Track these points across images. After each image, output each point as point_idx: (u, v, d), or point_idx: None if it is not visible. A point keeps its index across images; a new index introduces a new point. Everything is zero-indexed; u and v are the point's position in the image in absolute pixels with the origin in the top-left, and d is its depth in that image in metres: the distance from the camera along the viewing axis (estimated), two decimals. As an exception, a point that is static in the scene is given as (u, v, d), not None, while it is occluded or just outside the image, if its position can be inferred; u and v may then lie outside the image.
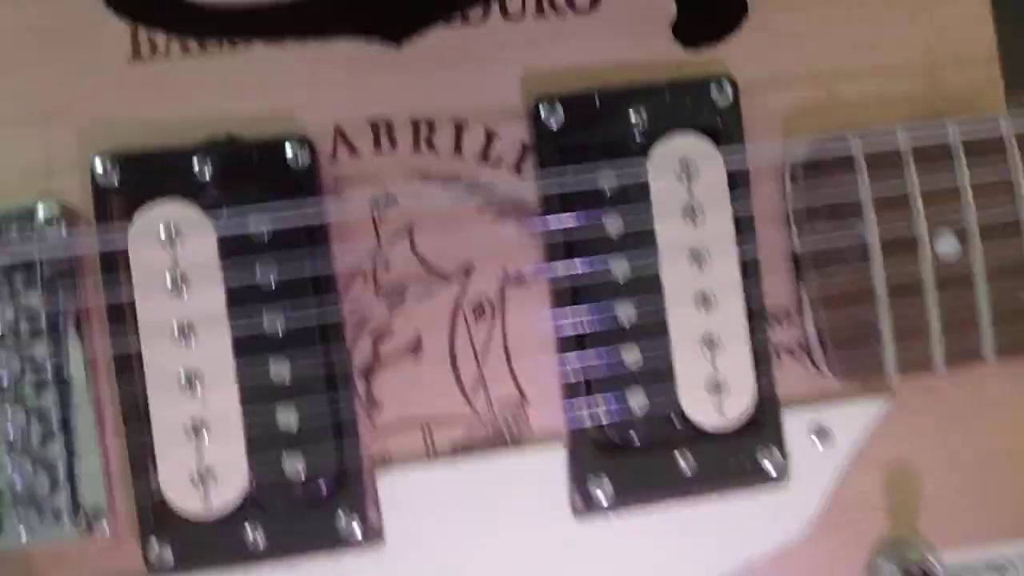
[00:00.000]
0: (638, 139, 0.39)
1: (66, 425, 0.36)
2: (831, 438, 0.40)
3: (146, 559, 0.36)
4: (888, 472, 0.40)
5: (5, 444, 0.36)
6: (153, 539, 0.36)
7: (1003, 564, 0.41)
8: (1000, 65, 0.42)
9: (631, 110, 0.39)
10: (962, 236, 0.39)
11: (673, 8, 0.41)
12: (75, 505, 0.36)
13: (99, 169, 0.37)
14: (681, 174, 0.39)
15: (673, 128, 0.39)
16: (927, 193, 0.39)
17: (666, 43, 0.41)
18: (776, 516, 0.39)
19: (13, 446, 0.35)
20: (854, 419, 0.40)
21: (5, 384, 0.35)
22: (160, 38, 0.38)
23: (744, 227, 0.39)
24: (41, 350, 0.36)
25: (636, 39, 0.41)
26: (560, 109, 0.39)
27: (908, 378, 0.39)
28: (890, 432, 0.40)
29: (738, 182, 0.39)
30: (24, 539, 0.35)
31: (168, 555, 0.36)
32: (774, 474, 0.39)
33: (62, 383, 0.36)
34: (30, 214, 0.37)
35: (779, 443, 0.39)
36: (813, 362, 0.40)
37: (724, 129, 0.39)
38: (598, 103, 0.39)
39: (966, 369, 0.40)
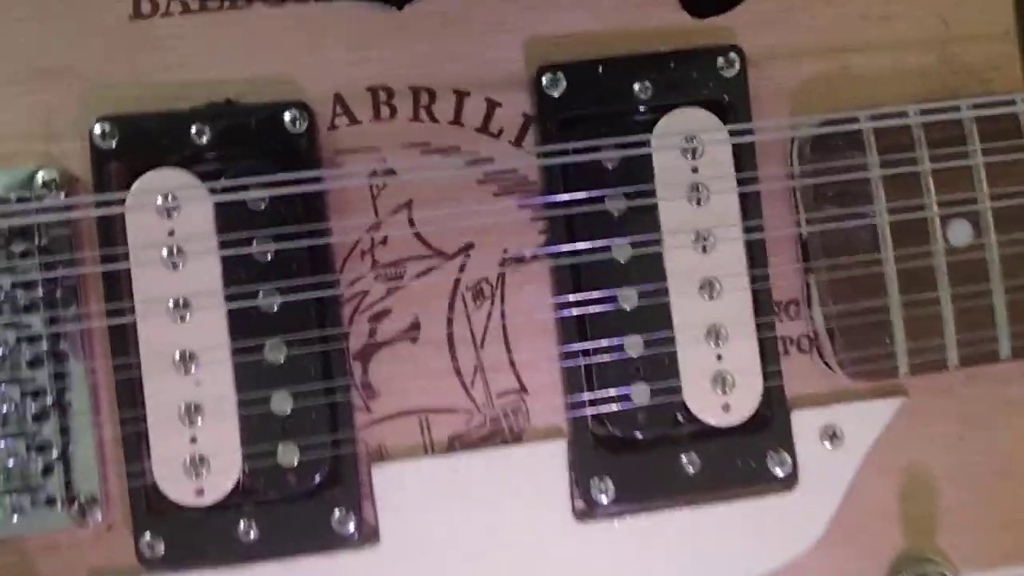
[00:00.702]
0: (642, 111, 0.42)
1: (61, 404, 0.39)
2: (842, 440, 0.42)
3: (138, 551, 0.39)
4: (903, 479, 0.43)
5: (1, 424, 0.37)
6: (145, 531, 0.39)
7: None
8: (1018, 42, 0.44)
9: (635, 81, 0.42)
10: (976, 223, 0.41)
11: (681, -23, 0.45)
12: (68, 491, 0.39)
13: (99, 134, 0.40)
14: (686, 150, 0.41)
15: (678, 101, 0.42)
16: (939, 175, 0.41)
17: (673, 11, 0.43)
18: (785, 523, 0.42)
19: (7, 423, 0.37)
20: (866, 420, 0.42)
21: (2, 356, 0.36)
22: (162, -5, 0.43)
23: (750, 208, 0.42)
24: (37, 322, 0.39)
25: (642, 7, 0.43)
26: (563, 79, 0.42)
27: (922, 378, 0.42)
28: (904, 436, 0.43)
29: (745, 159, 0.42)
30: (15, 523, 0.38)
31: (160, 548, 0.39)
32: (782, 477, 0.41)
33: (58, 358, 0.40)
34: (30, 179, 0.39)
35: (788, 444, 0.41)
36: (823, 357, 0.42)
37: (731, 103, 0.42)
38: (602, 72, 0.41)
39: (983, 370, 0.42)
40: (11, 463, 0.37)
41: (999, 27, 0.44)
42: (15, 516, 0.37)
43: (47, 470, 0.38)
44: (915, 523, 0.42)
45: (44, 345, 0.38)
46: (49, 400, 0.38)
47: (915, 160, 0.41)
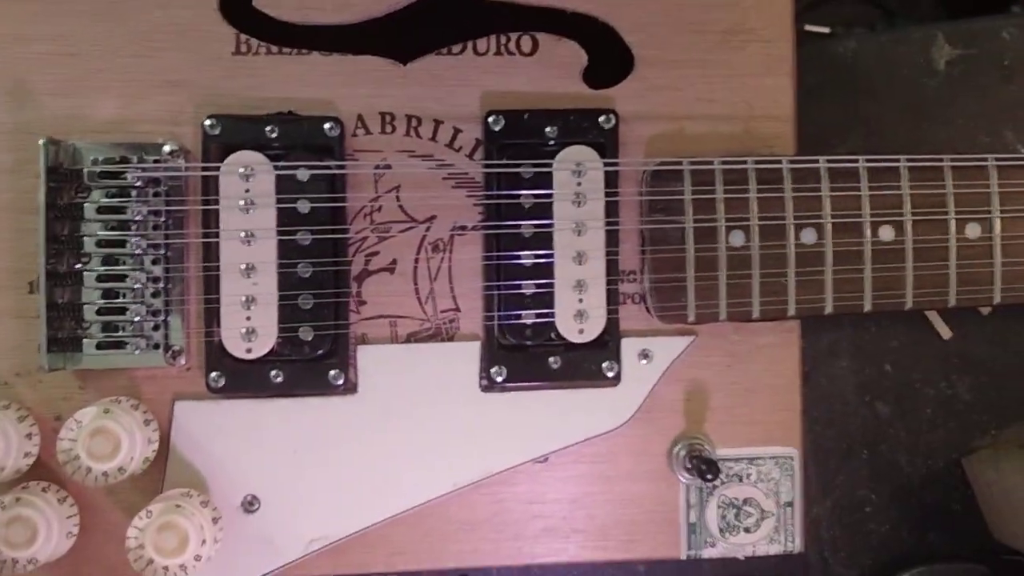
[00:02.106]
0: (550, 144, 0.61)
1: (167, 288, 0.60)
2: (651, 359, 0.61)
3: (207, 383, 0.59)
4: (687, 387, 0.62)
5: (132, 296, 0.58)
6: (213, 371, 0.59)
7: (757, 458, 0.64)
8: (793, 123, 0.65)
9: (548, 125, 0.60)
10: (747, 232, 0.62)
11: (585, 60, 0.64)
12: (166, 342, 0.60)
13: (208, 125, 0.59)
14: (575, 171, 0.60)
15: (573, 140, 0.60)
16: (728, 201, 0.62)
17: (577, 83, 0.62)
18: (610, 408, 0.60)
19: (136, 297, 0.58)
20: (668, 348, 0.61)
21: (137, 254, 0.58)
22: (254, 42, 0.60)
23: (611, 211, 0.60)
24: (159, 237, 0.59)
25: (558, 78, 0.62)
26: (502, 119, 0.60)
27: (704, 326, 0.63)
28: (691, 360, 0.62)
29: (611, 181, 0.60)
30: (135, 357, 0.59)
31: (222, 382, 0.59)
32: (611, 377, 0.61)
33: (168, 260, 0.59)
34: (160, 147, 0.58)
35: (617, 358, 0.61)
36: (646, 307, 0.62)
37: (607, 145, 0.61)
38: (527, 118, 0.61)
39: (744, 324, 0.63)
40: (136, 319, 0.58)
41: (783, 112, 0.63)
42: (135, 352, 0.58)
43: (155, 327, 0.58)
44: (692, 415, 0.61)
45: (162, 251, 0.58)
46: (161, 286, 0.58)
47: (713, 191, 0.59)
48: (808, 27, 0.62)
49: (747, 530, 0.61)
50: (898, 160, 0.63)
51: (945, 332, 0.76)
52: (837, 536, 0.74)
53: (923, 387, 0.76)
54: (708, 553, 0.62)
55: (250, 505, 0.58)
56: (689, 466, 0.59)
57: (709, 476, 0.57)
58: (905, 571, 0.72)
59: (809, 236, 0.62)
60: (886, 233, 0.62)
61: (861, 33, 0.80)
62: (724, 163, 0.62)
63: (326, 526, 0.59)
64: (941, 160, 0.63)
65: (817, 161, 0.62)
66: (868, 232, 0.62)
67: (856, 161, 0.62)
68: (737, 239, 0.62)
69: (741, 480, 0.63)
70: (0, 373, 0.58)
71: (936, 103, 0.77)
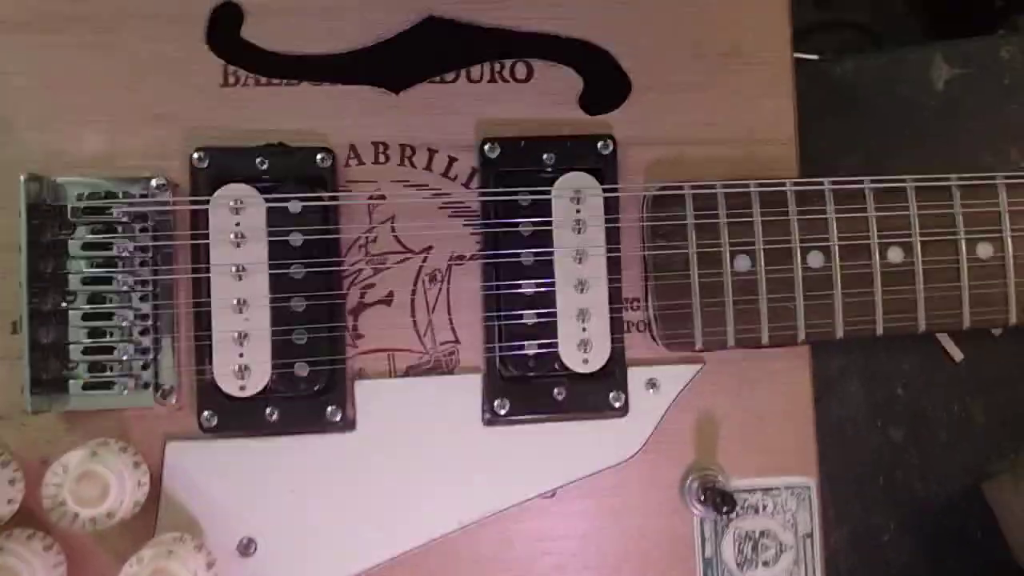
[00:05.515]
0: (548, 171, 0.61)
1: (156, 326, 0.58)
2: (659, 388, 0.61)
3: (199, 422, 0.58)
4: (697, 416, 0.61)
5: (119, 334, 0.57)
6: (205, 409, 0.58)
7: (771, 488, 0.62)
8: (795, 147, 0.65)
9: (544, 152, 0.60)
10: (752, 256, 0.61)
11: (581, 85, 0.63)
12: (156, 381, 0.58)
13: (196, 158, 0.59)
14: (574, 198, 0.60)
15: (571, 166, 0.60)
16: (731, 226, 0.61)
17: (573, 109, 0.62)
18: (618, 440, 0.60)
19: (124, 335, 0.56)
20: (676, 377, 0.61)
21: (124, 291, 0.56)
22: (242, 73, 0.61)
23: (612, 238, 0.60)
24: (147, 273, 0.58)
25: (554, 105, 0.62)
26: (498, 147, 0.60)
27: (712, 353, 0.61)
28: (700, 389, 0.61)
29: (611, 207, 0.60)
30: (123, 397, 0.57)
31: (214, 420, 0.58)
32: (618, 408, 0.60)
33: (157, 297, 0.58)
34: (147, 182, 0.58)
35: (624, 388, 0.60)
36: (651, 335, 0.61)
37: (605, 170, 0.61)
38: (523, 145, 0.60)
39: (753, 351, 0.62)
40: (124, 358, 0.56)
41: (784, 136, 0.63)
42: (124, 392, 0.56)
43: (145, 366, 0.57)
44: (703, 445, 0.60)
45: (150, 288, 0.57)
46: (149, 323, 0.57)
47: (716, 216, 0.59)
48: (797, 55, 0.63)
49: (766, 563, 0.60)
50: (904, 180, 0.62)
51: (957, 354, 0.75)
52: (855, 566, 0.73)
53: (936, 411, 0.75)
54: (725, 589, 0.60)
55: (247, 548, 0.57)
56: (703, 498, 0.58)
57: (725, 509, 0.56)
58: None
59: (816, 259, 0.61)
60: (895, 255, 0.62)
61: (859, 54, 0.81)
62: (726, 187, 0.61)
63: (327, 569, 0.57)
64: (948, 179, 0.63)
65: (822, 183, 0.62)
66: (876, 254, 0.61)
67: (862, 182, 0.62)
68: (743, 264, 0.61)
69: (757, 512, 0.61)
70: (-18, 417, 0.57)
71: (937, 123, 0.78)
